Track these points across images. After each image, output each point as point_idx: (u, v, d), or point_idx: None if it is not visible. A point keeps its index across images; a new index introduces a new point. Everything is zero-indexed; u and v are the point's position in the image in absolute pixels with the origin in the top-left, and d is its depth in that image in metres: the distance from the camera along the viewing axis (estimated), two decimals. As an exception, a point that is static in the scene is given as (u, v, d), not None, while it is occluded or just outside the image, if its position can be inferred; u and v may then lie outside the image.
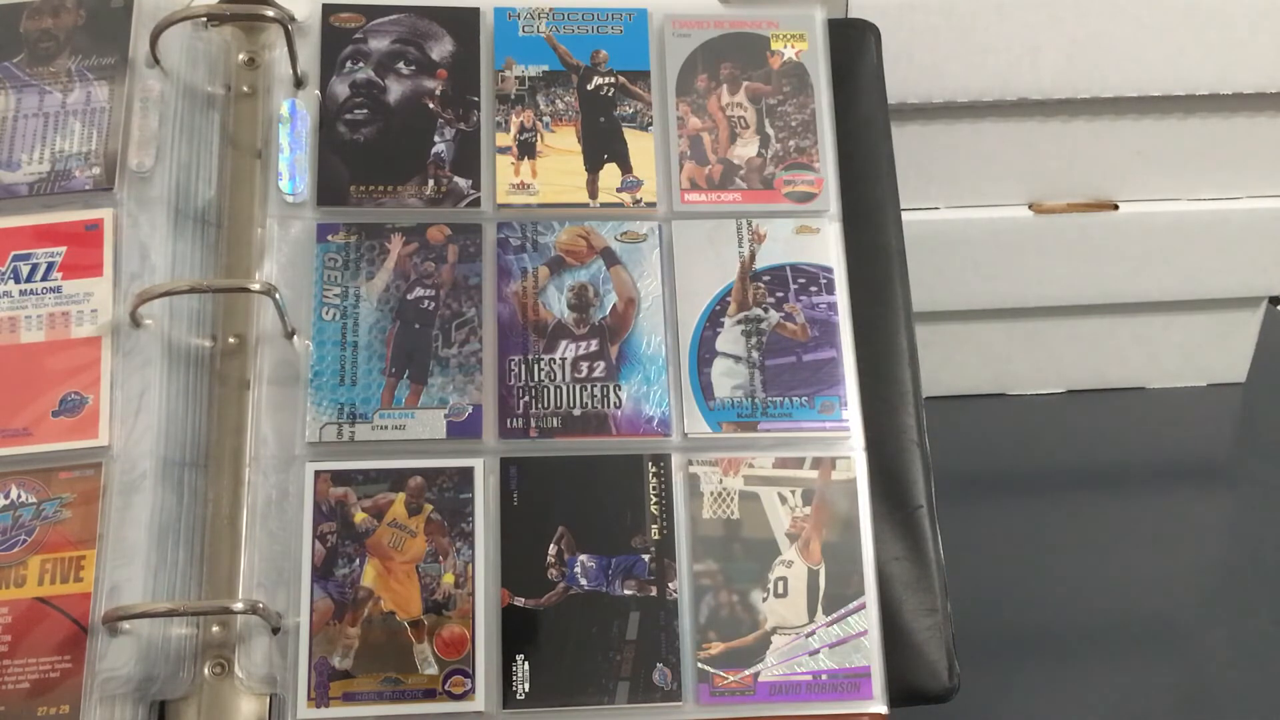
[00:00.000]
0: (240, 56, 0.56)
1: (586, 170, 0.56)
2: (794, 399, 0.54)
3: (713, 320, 0.55)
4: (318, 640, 0.49)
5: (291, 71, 0.55)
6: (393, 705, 0.49)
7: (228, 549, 0.50)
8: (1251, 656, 0.63)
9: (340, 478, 0.51)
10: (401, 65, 0.56)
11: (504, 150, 0.56)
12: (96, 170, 0.53)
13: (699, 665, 0.51)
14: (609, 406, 0.53)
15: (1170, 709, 0.60)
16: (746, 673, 0.51)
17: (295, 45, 0.55)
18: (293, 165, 0.54)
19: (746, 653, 0.51)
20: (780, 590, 0.52)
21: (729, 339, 0.55)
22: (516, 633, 0.50)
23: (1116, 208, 0.74)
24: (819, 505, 0.53)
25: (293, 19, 0.56)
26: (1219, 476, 0.76)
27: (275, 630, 0.49)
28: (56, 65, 0.54)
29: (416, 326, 0.53)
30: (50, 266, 0.52)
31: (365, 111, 0.56)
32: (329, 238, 0.54)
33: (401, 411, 0.52)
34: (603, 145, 0.57)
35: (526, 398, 0.53)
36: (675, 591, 0.51)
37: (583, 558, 0.51)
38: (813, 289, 0.56)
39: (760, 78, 0.59)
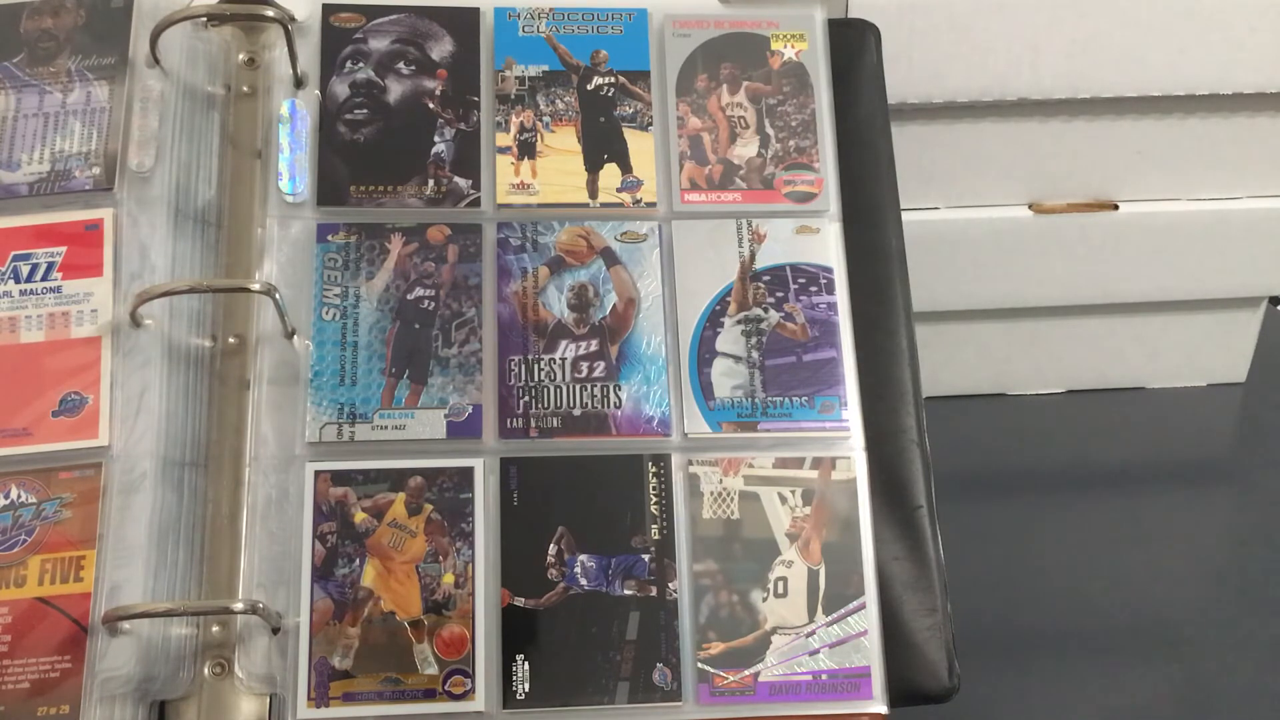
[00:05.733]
0: (240, 56, 0.56)
1: (586, 170, 0.56)
2: (794, 399, 0.54)
3: (713, 320, 0.55)
4: (318, 640, 0.49)
5: (291, 71, 0.55)
6: (393, 705, 0.49)
7: (228, 549, 0.50)
8: (1251, 656, 0.63)
9: (340, 478, 0.51)
10: (401, 65, 0.56)
11: (504, 150, 0.56)
12: (96, 170, 0.53)
13: (699, 665, 0.51)
14: (609, 406, 0.53)
15: (1170, 709, 0.60)
16: (746, 673, 0.51)
17: (295, 45, 0.55)
18: (293, 165, 0.54)
19: (746, 653, 0.51)
20: (780, 590, 0.52)
21: (729, 339, 0.55)
22: (516, 633, 0.50)
23: (1116, 208, 0.74)
24: (819, 505, 0.53)
25: (293, 19, 0.56)
26: (1219, 476, 0.76)
27: (275, 630, 0.49)
28: (56, 65, 0.54)
29: (416, 326, 0.53)
30: (50, 266, 0.52)
31: (365, 111, 0.56)
32: (329, 238, 0.54)
33: (401, 411, 0.52)
34: (603, 145, 0.57)
35: (526, 398, 0.53)
36: (675, 591, 0.51)
37: (583, 558, 0.51)
38: (813, 289, 0.56)
39: (760, 78, 0.59)
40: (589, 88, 0.58)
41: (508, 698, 0.50)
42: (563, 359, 0.54)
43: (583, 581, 0.51)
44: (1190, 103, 0.71)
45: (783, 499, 0.53)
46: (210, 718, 0.48)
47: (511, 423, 0.52)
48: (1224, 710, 0.60)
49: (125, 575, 0.48)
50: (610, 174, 0.56)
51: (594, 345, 0.54)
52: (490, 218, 0.55)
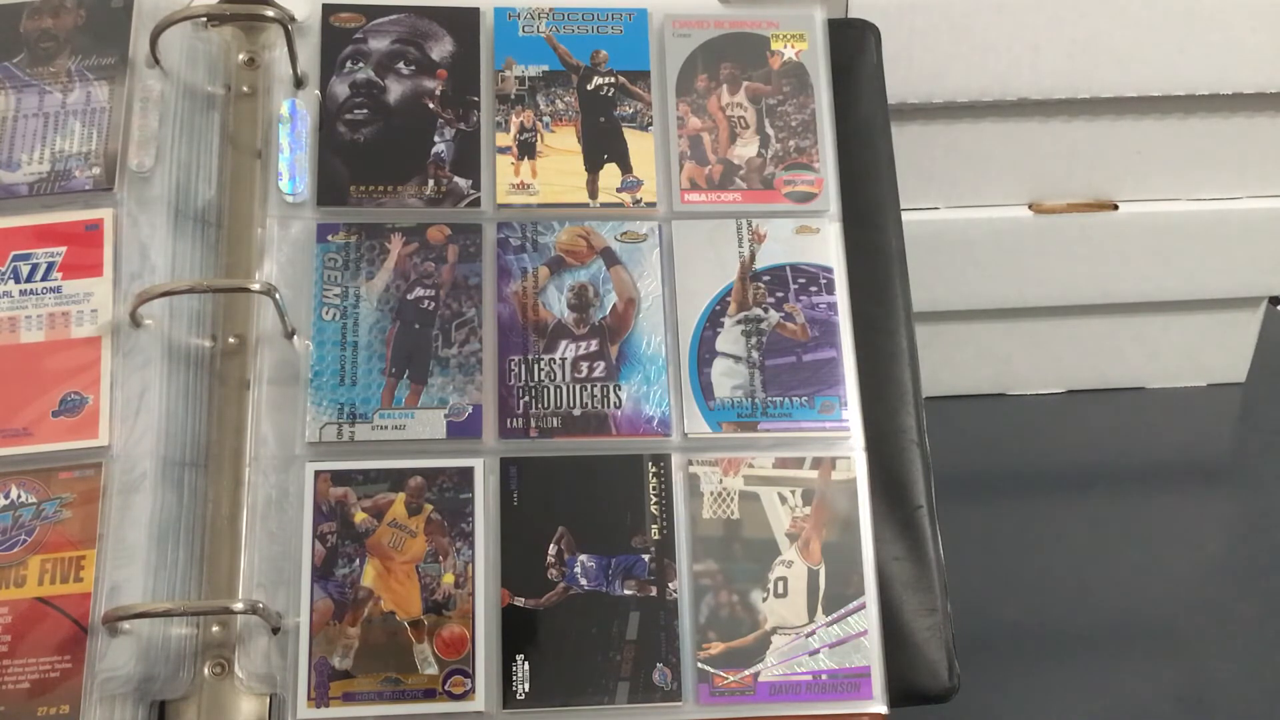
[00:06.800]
0: (240, 56, 0.56)
1: (586, 170, 0.56)
2: (794, 399, 0.54)
3: (713, 320, 0.55)
4: (318, 640, 0.49)
5: (291, 71, 0.55)
6: (393, 705, 0.49)
7: (228, 549, 0.50)
8: (1252, 656, 0.63)
9: (340, 478, 0.51)
10: (401, 65, 0.56)
11: (504, 150, 0.56)
12: (96, 170, 0.53)
13: (699, 665, 0.51)
14: (609, 406, 0.53)
15: (1170, 709, 0.60)
16: (746, 673, 0.51)
17: (295, 45, 0.55)
18: (293, 165, 0.54)
19: (746, 653, 0.51)
20: (780, 590, 0.52)
21: (729, 339, 0.55)
22: (516, 633, 0.50)
23: (1116, 208, 0.74)
24: (819, 505, 0.53)
25: (293, 19, 0.56)
26: (1219, 476, 0.76)
27: (275, 630, 0.49)
28: (56, 65, 0.54)
29: (416, 326, 0.53)
30: (50, 266, 0.52)
31: (365, 111, 0.56)
32: (329, 238, 0.54)
33: (401, 411, 0.52)
34: (603, 145, 0.57)
35: (526, 398, 0.53)
36: (675, 591, 0.51)
37: (583, 558, 0.51)
38: (813, 289, 0.56)
39: (760, 78, 0.59)
40: (589, 88, 0.58)
41: (508, 698, 0.50)
42: (563, 359, 0.54)
43: (583, 581, 0.51)
44: (1190, 103, 0.71)
45: (783, 499, 0.53)
46: (210, 718, 0.48)
47: (511, 423, 0.52)
48: (1224, 710, 0.60)
49: (125, 575, 0.48)
50: (610, 174, 0.56)
51: (594, 345, 0.54)
52: (490, 218, 0.55)
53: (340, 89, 0.56)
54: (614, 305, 0.55)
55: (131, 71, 0.54)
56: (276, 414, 0.52)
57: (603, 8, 0.58)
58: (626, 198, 0.56)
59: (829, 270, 0.56)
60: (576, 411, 0.53)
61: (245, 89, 0.55)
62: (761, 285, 0.56)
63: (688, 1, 0.59)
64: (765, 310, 0.55)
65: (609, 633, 0.51)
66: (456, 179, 0.55)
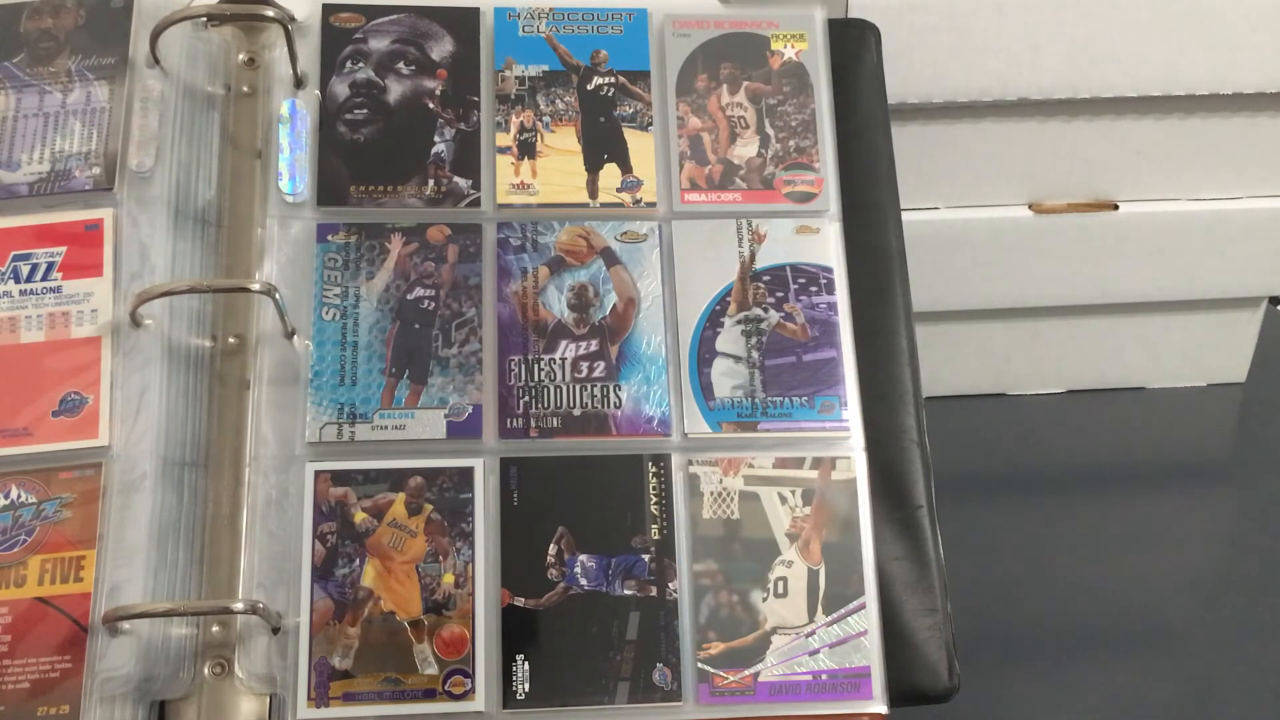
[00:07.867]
0: (240, 56, 0.56)
1: (586, 170, 0.56)
2: (794, 399, 0.54)
3: (713, 320, 0.55)
4: (318, 640, 0.49)
5: (291, 71, 0.55)
6: (393, 705, 0.49)
7: (228, 549, 0.50)
8: (1251, 656, 0.63)
9: (340, 478, 0.51)
10: (401, 65, 0.56)
11: (504, 150, 0.56)
12: (96, 170, 0.53)
13: (699, 665, 0.51)
14: (609, 406, 0.53)
15: (1170, 709, 0.60)
16: (746, 673, 0.51)
17: (295, 45, 0.55)
18: (293, 165, 0.54)
19: (746, 653, 0.51)
20: (780, 590, 0.52)
21: (729, 339, 0.55)
22: (516, 633, 0.50)
23: (1116, 208, 0.74)
24: (819, 505, 0.53)
25: (293, 19, 0.56)
26: (1219, 476, 0.76)
27: (275, 630, 0.49)
28: (56, 65, 0.54)
29: (416, 326, 0.53)
30: (50, 266, 0.52)
31: (365, 111, 0.56)
32: (329, 238, 0.54)
33: (401, 411, 0.52)
34: (603, 145, 0.57)
35: (526, 398, 0.53)
36: (675, 591, 0.51)
37: (583, 558, 0.51)
38: (813, 289, 0.56)
39: (760, 78, 0.59)
40: (589, 88, 0.58)
41: (508, 698, 0.50)
42: (563, 359, 0.54)
43: (583, 581, 0.51)
44: (1190, 103, 0.71)
45: (783, 499, 0.53)
46: (210, 718, 0.48)
47: (511, 423, 0.52)
48: (1224, 710, 0.60)
49: (125, 575, 0.48)
50: (610, 174, 0.56)
51: (594, 345, 0.54)
52: (490, 218, 0.55)
53: (340, 89, 0.56)
54: (614, 305, 0.55)
55: (131, 71, 0.54)
56: (276, 414, 0.52)
57: (603, 8, 0.59)
58: (626, 198, 0.56)
59: (829, 270, 0.56)
60: (576, 411, 0.53)
61: (245, 89, 0.55)
62: (761, 285, 0.56)
63: (688, 1, 0.59)
64: (765, 310, 0.55)
65: (609, 633, 0.51)
66: (456, 179, 0.55)
